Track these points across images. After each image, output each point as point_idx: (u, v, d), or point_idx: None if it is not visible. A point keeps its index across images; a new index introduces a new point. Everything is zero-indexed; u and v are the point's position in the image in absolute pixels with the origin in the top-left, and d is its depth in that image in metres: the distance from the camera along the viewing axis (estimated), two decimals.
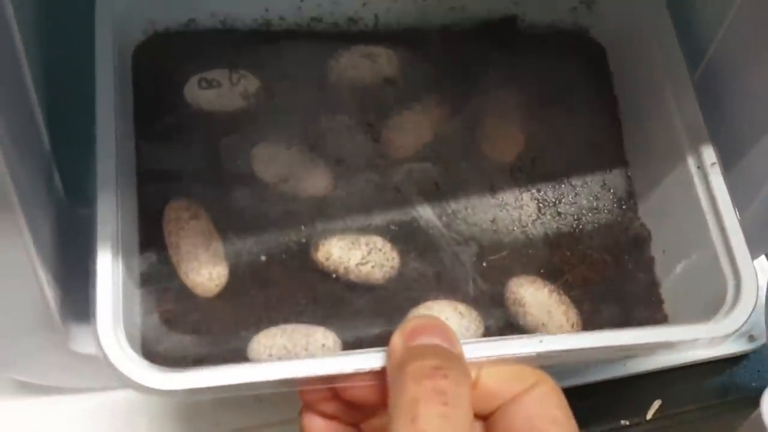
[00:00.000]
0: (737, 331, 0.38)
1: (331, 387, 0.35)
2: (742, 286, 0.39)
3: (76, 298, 0.38)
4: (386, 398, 0.31)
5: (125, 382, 0.34)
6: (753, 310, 0.38)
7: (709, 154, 0.42)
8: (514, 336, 0.36)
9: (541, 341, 0.36)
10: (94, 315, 0.34)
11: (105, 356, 0.34)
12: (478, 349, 0.34)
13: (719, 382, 0.56)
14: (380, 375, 0.34)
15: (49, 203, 0.39)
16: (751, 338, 0.55)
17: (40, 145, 0.36)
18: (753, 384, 0.56)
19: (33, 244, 0.33)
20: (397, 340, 0.33)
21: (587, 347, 0.36)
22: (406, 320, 0.33)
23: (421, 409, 0.28)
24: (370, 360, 0.34)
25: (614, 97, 0.49)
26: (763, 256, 0.54)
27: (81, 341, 0.40)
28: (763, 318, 0.51)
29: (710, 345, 0.38)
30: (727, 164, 0.42)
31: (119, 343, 0.34)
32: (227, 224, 0.42)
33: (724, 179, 0.41)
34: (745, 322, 0.38)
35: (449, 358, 0.31)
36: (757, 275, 0.39)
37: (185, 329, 0.39)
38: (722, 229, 0.40)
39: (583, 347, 0.36)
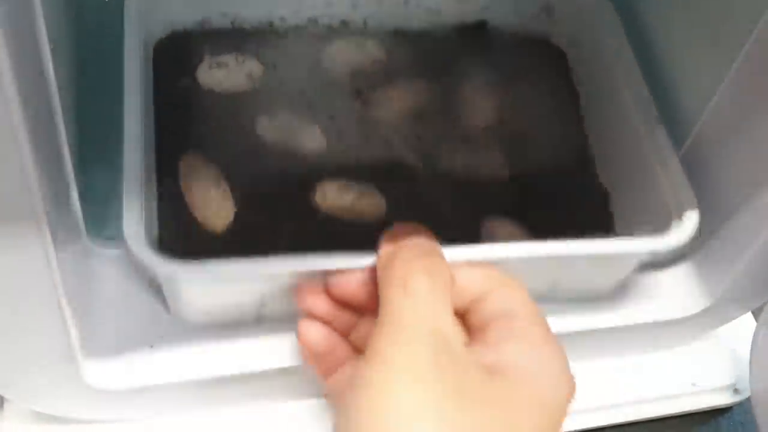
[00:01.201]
0: (682, 245, 0.43)
1: (326, 287, 0.39)
2: (685, 210, 0.45)
3: (95, 334, 0.42)
4: (373, 300, 0.36)
5: (150, 272, 0.39)
6: (695, 229, 0.44)
7: (653, 113, 0.48)
8: (481, 244, 0.42)
9: (505, 248, 0.41)
10: (122, 229, 0.40)
11: (132, 253, 0.39)
12: (452, 253, 0.39)
13: None
14: (370, 273, 0.38)
15: (74, 242, 0.41)
16: (736, 391, 0.56)
17: (67, 190, 0.38)
18: None
19: (60, 282, 0.34)
20: (385, 242, 0.37)
21: (546, 254, 0.42)
22: (393, 227, 0.38)
23: (411, 280, 0.33)
24: (362, 260, 0.39)
25: (574, 88, 0.56)
26: (749, 313, 0.56)
27: (97, 376, 0.42)
28: (747, 372, 0.53)
29: (658, 256, 0.43)
30: (714, 228, 0.46)
31: (144, 244, 0.39)
32: (234, 176, 0.48)
33: (668, 135, 0.48)
34: (689, 238, 0.44)
35: (433, 251, 0.36)
36: (696, 203, 0.45)
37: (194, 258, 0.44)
38: (667, 171, 0.46)
39: (542, 254, 0.41)
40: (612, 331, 0.48)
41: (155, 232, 0.45)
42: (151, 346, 0.43)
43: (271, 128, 0.50)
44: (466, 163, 0.49)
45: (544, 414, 0.31)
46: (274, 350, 0.44)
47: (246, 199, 0.48)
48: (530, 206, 0.49)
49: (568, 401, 0.32)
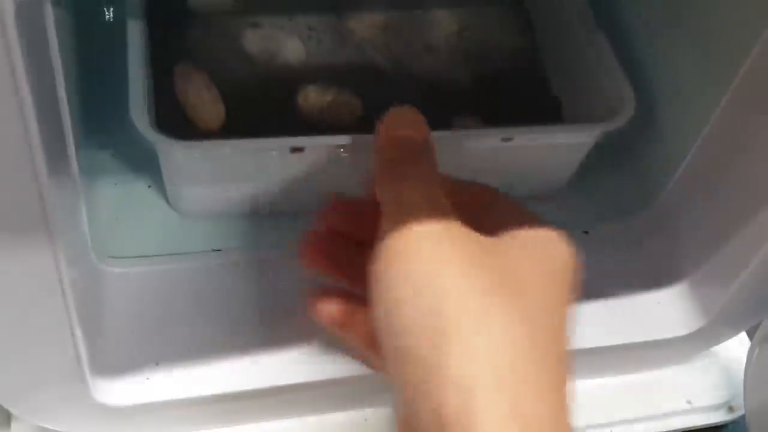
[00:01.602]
0: (620, 127, 0.50)
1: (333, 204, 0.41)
2: (624, 101, 0.51)
3: (104, 351, 0.43)
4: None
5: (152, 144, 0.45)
6: (631, 115, 0.50)
7: (592, 22, 0.55)
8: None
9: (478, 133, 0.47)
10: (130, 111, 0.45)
11: (138, 129, 0.45)
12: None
13: None
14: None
15: (83, 261, 0.43)
16: (730, 409, 0.56)
17: (77, 210, 0.40)
18: None
19: (72, 301, 0.35)
20: (381, 129, 0.38)
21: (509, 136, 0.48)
22: (388, 112, 0.38)
23: (399, 166, 0.34)
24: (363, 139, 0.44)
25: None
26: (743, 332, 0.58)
27: (105, 392, 0.43)
28: (741, 389, 0.53)
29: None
30: (709, 251, 0.48)
31: (147, 123, 0.45)
32: (224, 83, 0.53)
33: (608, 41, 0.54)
34: (625, 122, 0.50)
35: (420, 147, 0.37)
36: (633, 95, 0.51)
37: None
38: (607, 72, 0.53)
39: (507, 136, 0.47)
40: (607, 349, 0.50)
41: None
42: (157, 364, 0.45)
43: (255, 40, 0.55)
44: (431, 68, 0.55)
45: (550, 272, 0.31)
46: (281, 367, 0.46)
47: (235, 102, 0.53)
48: (491, 108, 0.55)
49: (572, 265, 0.33)
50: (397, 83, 0.55)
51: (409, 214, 0.31)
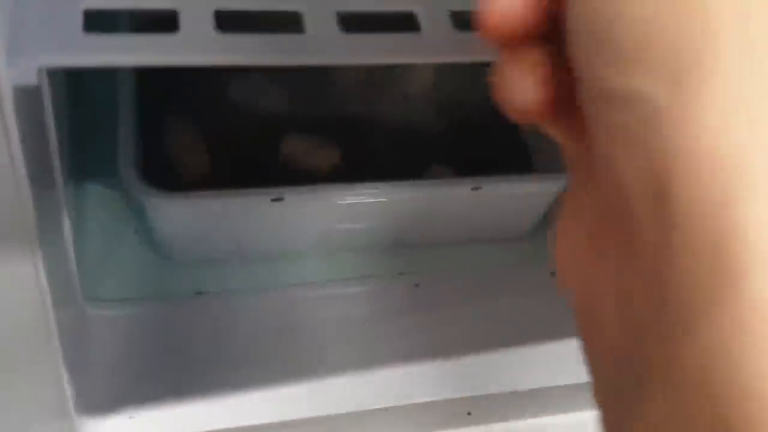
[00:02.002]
0: None
1: None
2: None
3: (89, 392, 0.45)
4: None
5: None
6: None
7: None
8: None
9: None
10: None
11: (125, 183, 0.47)
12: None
13: None
14: None
15: (71, 303, 0.44)
16: None
17: (64, 250, 0.41)
18: None
19: (58, 342, 0.36)
20: None
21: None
22: None
23: None
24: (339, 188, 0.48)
25: None
26: None
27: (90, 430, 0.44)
28: None
29: None
30: None
31: (135, 177, 0.47)
32: (210, 131, 0.56)
33: None
34: None
35: None
36: None
37: None
38: None
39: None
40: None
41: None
42: (141, 403, 0.46)
43: (241, 90, 0.58)
44: (407, 118, 0.57)
45: None
46: (265, 405, 0.47)
47: (221, 150, 0.56)
48: (464, 156, 0.58)
49: None
50: (374, 132, 0.58)
51: None
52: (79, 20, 0.29)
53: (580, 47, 0.18)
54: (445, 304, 0.53)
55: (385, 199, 0.52)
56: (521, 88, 0.21)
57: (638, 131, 0.16)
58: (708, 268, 0.15)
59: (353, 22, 0.32)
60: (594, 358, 0.20)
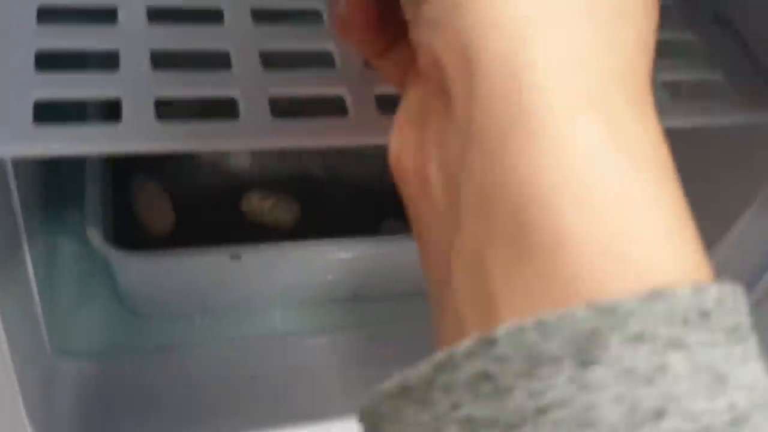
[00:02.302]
0: None
1: None
2: None
3: None
4: None
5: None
6: None
7: None
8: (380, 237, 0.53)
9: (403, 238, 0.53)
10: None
11: (94, 247, 0.50)
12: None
13: None
14: None
15: (40, 359, 0.46)
16: None
17: (30, 305, 0.42)
18: None
19: (21, 400, 0.37)
20: None
21: None
22: None
23: None
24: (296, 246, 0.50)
25: None
26: None
27: None
28: None
29: None
30: None
31: (101, 239, 0.50)
32: (176, 190, 0.59)
33: None
34: None
35: None
36: None
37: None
38: None
39: None
40: None
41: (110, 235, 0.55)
42: None
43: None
44: (362, 175, 0.60)
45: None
46: None
47: (186, 207, 0.59)
48: None
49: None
50: (331, 189, 0.60)
51: None
52: (29, 112, 0.32)
53: None
54: (402, 356, 0.56)
55: (341, 255, 0.54)
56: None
57: (447, 17, 0.20)
58: (503, 105, 0.19)
59: (284, 106, 0.35)
60: (425, 227, 0.23)
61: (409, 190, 0.24)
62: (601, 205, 0.18)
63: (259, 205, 0.58)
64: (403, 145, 0.24)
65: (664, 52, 0.39)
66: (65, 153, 0.33)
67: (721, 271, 0.19)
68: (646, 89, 0.20)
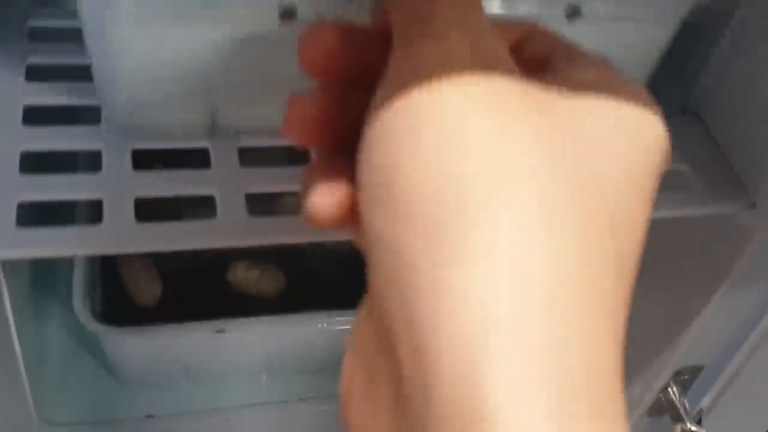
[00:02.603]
0: None
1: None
2: None
3: None
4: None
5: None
6: None
7: None
8: None
9: None
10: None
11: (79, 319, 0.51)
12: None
13: None
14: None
15: (27, 428, 0.47)
16: None
17: (17, 377, 0.43)
18: None
19: None
20: None
21: None
22: None
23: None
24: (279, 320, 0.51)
25: None
26: None
27: None
28: None
29: None
30: None
31: (88, 314, 0.51)
32: (163, 262, 0.60)
33: None
34: None
35: None
36: None
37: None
38: None
39: None
40: None
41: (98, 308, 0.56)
42: None
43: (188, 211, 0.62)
44: (344, 245, 0.61)
45: (634, 150, 0.21)
46: None
47: (173, 278, 0.59)
48: None
49: (662, 145, 0.22)
50: (315, 260, 0.61)
51: (437, 36, 0.21)
52: (12, 215, 0.33)
53: (366, 201, 0.21)
54: None
55: (325, 326, 0.55)
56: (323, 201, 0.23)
57: (401, 276, 0.19)
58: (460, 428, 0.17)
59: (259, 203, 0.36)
60: None
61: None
62: None
63: (244, 276, 0.59)
64: (351, 391, 0.22)
65: None
66: (48, 255, 0.34)
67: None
68: (613, 385, 0.18)
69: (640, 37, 0.39)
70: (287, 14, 0.33)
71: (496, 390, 0.17)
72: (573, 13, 0.36)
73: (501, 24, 0.24)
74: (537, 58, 0.24)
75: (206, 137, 0.39)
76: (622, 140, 0.20)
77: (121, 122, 0.37)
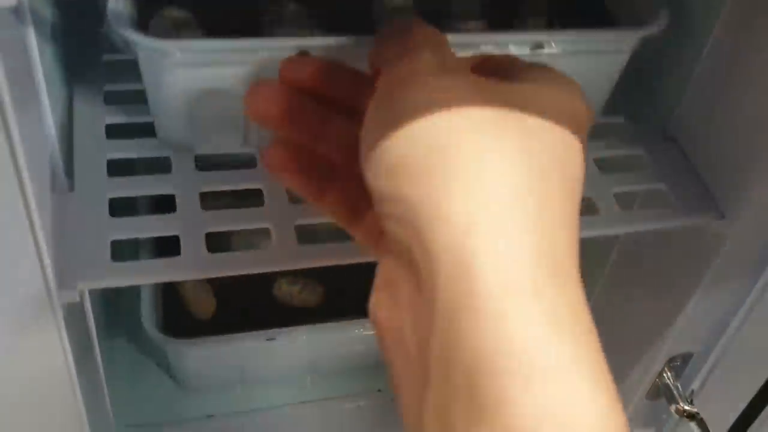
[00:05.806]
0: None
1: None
2: None
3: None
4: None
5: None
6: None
7: None
8: None
9: None
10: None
11: (148, 336, 0.59)
12: None
13: None
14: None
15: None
16: None
17: (100, 387, 0.52)
18: None
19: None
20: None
21: None
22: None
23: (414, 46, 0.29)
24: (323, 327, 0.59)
25: None
26: None
27: None
28: None
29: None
30: None
31: (155, 329, 0.59)
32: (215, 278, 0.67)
33: None
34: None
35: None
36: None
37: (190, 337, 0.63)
38: None
39: None
40: None
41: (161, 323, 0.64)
42: None
43: (240, 241, 0.69)
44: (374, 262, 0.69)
45: (563, 120, 0.27)
46: None
47: (225, 293, 0.67)
48: None
49: (583, 112, 0.28)
50: (356, 272, 0.69)
51: (415, 54, 0.29)
52: (107, 251, 0.41)
53: (367, 166, 0.27)
54: None
55: (360, 332, 0.63)
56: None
57: (406, 216, 0.26)
58: (454, 287, 0.24)
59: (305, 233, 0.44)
60: (400, 379, 0.27)
61: (386, 344, 0.28)
62: (532, 373, 0.23)
63: (288, 289, 0.67)
64: (381, 306, 0.29)
65: (618, 166, 0.48)
66: (137, 283, 0.41)
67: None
68: (568, 261, 0.25)
69: (594, 67, 0.46)
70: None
71: (476, 262, 0.24)
72: (536, 47, 0.44)
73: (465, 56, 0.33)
74: (493, 71, 0.30)
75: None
76: (555, 109, 0.27)
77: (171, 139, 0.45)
